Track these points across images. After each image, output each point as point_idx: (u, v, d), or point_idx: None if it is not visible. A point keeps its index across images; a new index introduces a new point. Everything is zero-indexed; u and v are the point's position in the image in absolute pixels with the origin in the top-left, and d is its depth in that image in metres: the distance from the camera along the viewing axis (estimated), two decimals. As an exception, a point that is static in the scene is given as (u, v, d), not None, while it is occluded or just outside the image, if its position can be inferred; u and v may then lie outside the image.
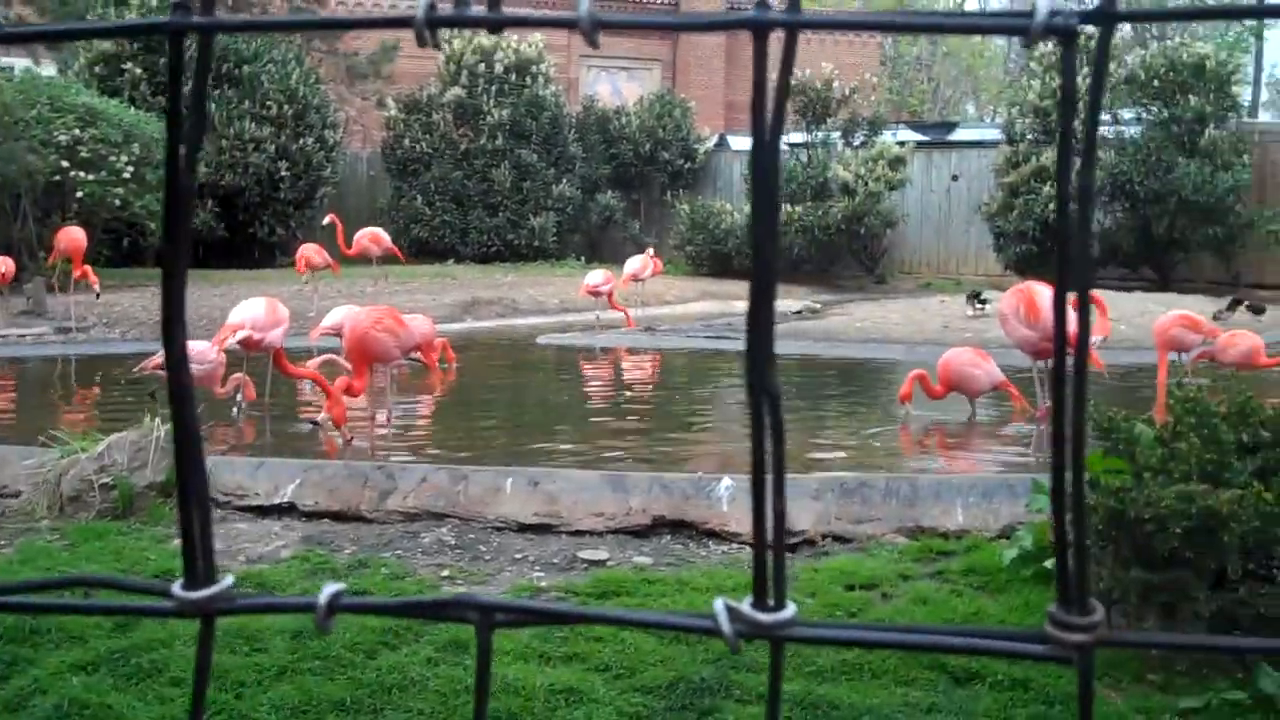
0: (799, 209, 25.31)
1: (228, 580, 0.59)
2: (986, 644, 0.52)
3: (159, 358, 9.64)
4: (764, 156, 0.52)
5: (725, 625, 0.53)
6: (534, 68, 27.27)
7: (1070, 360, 0.48)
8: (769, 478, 0.54)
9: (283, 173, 24.13)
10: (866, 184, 25.36)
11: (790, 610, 0.54)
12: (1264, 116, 46.38)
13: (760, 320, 0.52)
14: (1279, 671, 4.36)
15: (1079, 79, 0.48)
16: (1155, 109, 24.49)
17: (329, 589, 0.55)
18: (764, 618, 0.54)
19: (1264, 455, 4.90)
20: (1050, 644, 0.51)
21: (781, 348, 8.00)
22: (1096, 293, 10.52)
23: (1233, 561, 4.60)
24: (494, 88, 26.75)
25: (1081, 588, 0.50)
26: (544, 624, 0.56)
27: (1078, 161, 0.50)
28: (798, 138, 26.88)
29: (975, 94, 59.90)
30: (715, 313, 20.26)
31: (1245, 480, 4.73)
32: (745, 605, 0.55)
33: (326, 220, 20.16)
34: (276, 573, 5.88)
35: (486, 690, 0.55)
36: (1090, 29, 0.51)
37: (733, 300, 21.67)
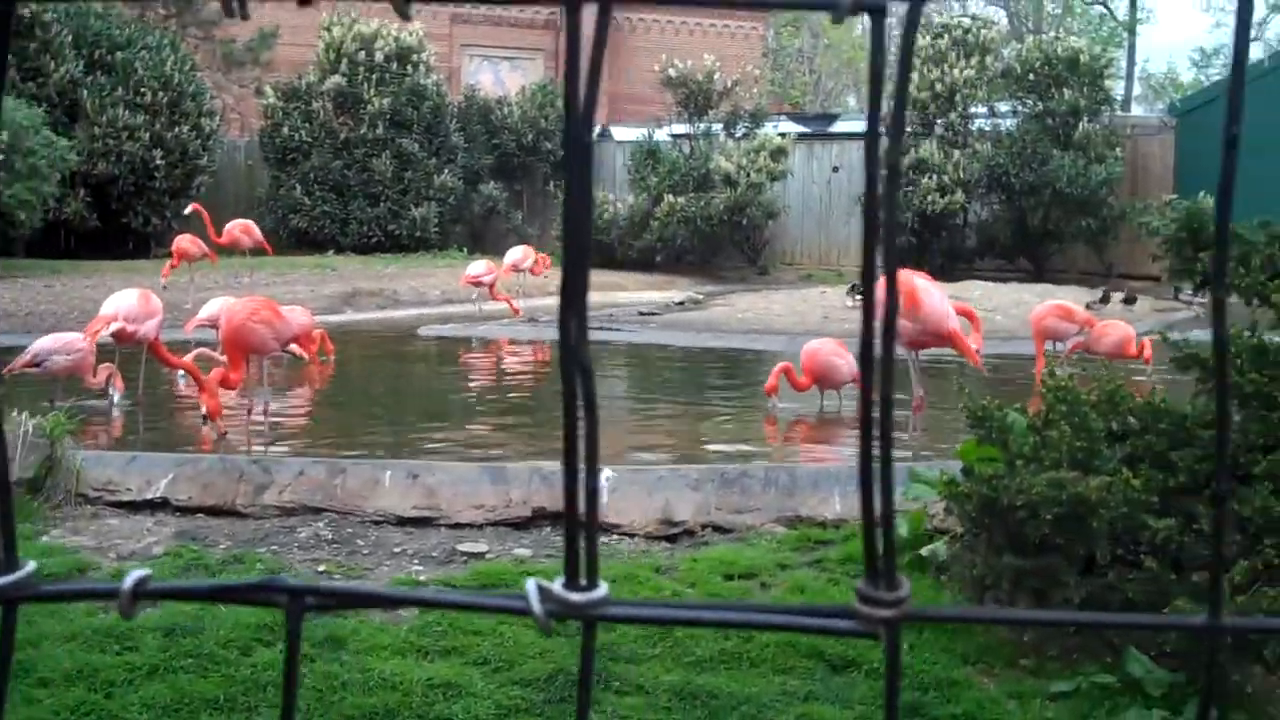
0: (681, 200, 25.36)
1: (30, 566, 0.57)
2: (794, 620, 0.52)
3: (29, 355, 9.44)
4: (577, 129, 0.51)
5: (536, 605, 0.53)
6: (415, 56, 27.02)
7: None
8: (582, 453, 0.53)
9: (157, 161, 23.68)
10: (748, 175, 25.47)
11: (602, 590, 0.54)
12: (1136, 110, 47.32)
13: (573, 290, 0.51)
14: (1146, 654, 4.45)
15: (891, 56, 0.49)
16: (1031, 102, 24.91)
17: (134, 575, 0.54)
18: (575, 597, 0.53)
19: (1132, 442, 5.00)
20: (858, 620, 0.51)
21: (664, 338, 8.07)
22: (970, 307, 10.68)
23: (1101, 547, 4.69)
24: (374, 76, 26.46)
25: (889, 564, 0.50)
26: (354, 607, 0.55)
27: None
28: (680, 129, 26.96)
29: (856, 86, 60.50)
30: (597, 303, 20.19)
31: (1114, 467, 4.82)
32: (557, 585, 0.54)
33: (189, 210, 19.72)
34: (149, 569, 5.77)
35: (296, 677, 0.54)
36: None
37: (615, 291, 21.67)
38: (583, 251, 0.48)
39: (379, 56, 26.55)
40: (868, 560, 0.50)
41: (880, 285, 0.51)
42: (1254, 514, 4.45)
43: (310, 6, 0.55)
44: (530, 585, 0.54)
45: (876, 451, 0.50)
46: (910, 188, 24.51)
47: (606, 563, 6.00)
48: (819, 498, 6.67)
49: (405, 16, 0.55)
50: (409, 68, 26.88)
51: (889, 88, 0.53)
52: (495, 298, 17.47)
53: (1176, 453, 4.82)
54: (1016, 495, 4.73)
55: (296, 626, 0.51)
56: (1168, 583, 4.50)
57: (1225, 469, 0.61)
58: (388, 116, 26.31)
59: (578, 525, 0.52)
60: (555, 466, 7.18)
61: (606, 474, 6.82)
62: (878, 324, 0.51)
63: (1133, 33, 52.84)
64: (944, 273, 21.69)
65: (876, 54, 0.49)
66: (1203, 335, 7.48)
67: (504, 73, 34.98)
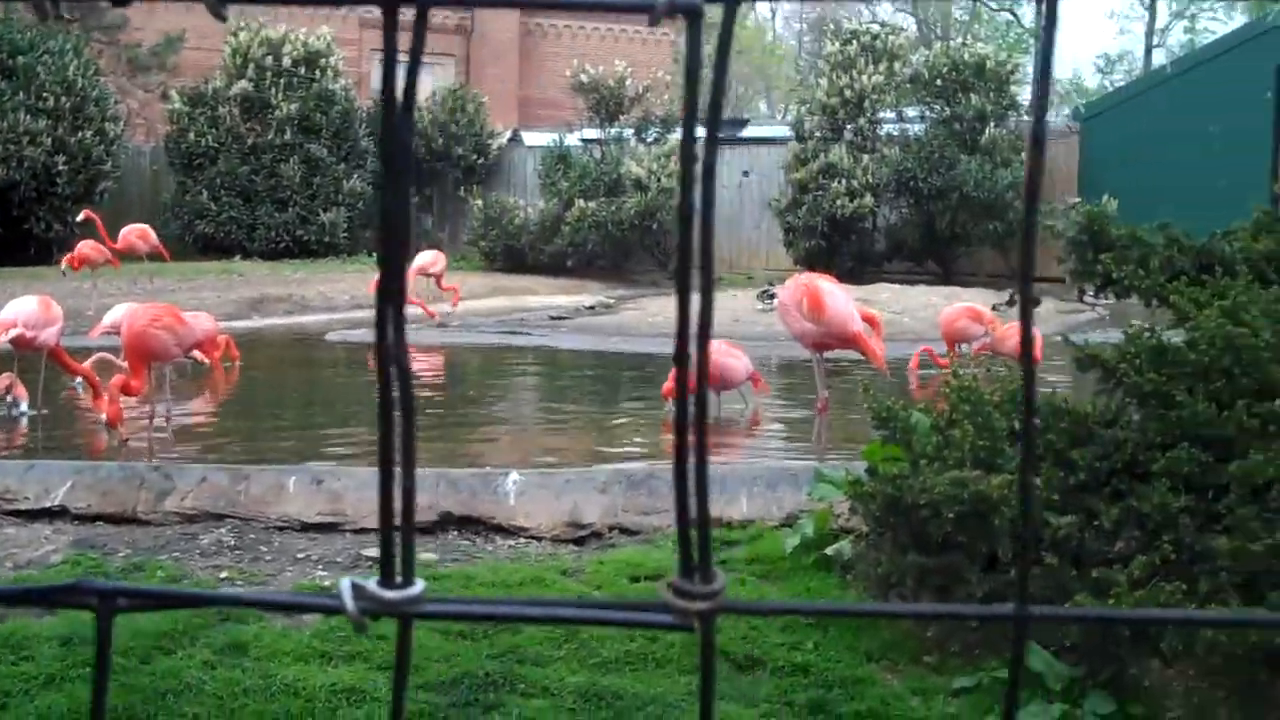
0: (592, 205, 25.34)
1: None
2: (610, 614, 0.52)
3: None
4: (394, 131, 0.51)
5: (349, 603, 0.52)
6: (323, 60, 26.79)
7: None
8: (398, 453, 0.53)
9: (60, 167, 23.31)
10: (659, 180, 25.48)
11: (418, 587, 0.53)
12: (1041, 116, 47.79)
13: (390, 286, 0.51)
14: (1047, 648, 4.51)
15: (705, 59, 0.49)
16: (938, 107, 25.15)
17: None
18: (389, 595, 0.53)
19: (1033, 441, 5.06)
20: (673, 613, 0.51)
21: (574, 342, 8.07)
22: (872, 312, 10.76)
23: (1003, 544, 4.74)
24: (282, 81, 26.20)
25: (703, 558, 0.51)
26: (169, 608, 0.54)
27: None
28: (591, 134, 26.94)
29: (767, 92, 60.93)
30: (508, 308, 20.20)
31: (1016, 466, 4.88)
32: (371, 583, 0.54)
33: (81, 217, 19.39)
34: (45, 577, 5.69)
35: (106, 682, 0.53)
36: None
37: (525, 295, 21.63)
38: (400, 247, 0.48)
39: (286, 61, 26.30)
40: (682, 554, 0.50)
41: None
42: (1152, 510, 4.52)
43: (126, 8, 0.54)
44: (344, 584, 0.53)
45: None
46: (820, 192, 24.66)
47: (514, 565, 5.98)
48: (726, 498, 6.69)
49: (221, 18, 0.54)
50: (317, 72, 26.65)
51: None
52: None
53: (1077, 451, 4.88)
54: (920, 494, 4.78)
55: (106, 628, 0.50)
56: (1068, 578, 4.55)
57: (1031, 462, 0.62)
58: (296, 121, 26.06)
59: (392, 523, 0.52)
60: (461, 471, 7.15)
61: (513, 478, 6.80)
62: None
63: (1038, 39, 53.63)
64: (853, 276, 21.88)
65: (693, 56, 0.50)
66: (1105, 336, 7.60)
67: (414, 77, 34.74)
